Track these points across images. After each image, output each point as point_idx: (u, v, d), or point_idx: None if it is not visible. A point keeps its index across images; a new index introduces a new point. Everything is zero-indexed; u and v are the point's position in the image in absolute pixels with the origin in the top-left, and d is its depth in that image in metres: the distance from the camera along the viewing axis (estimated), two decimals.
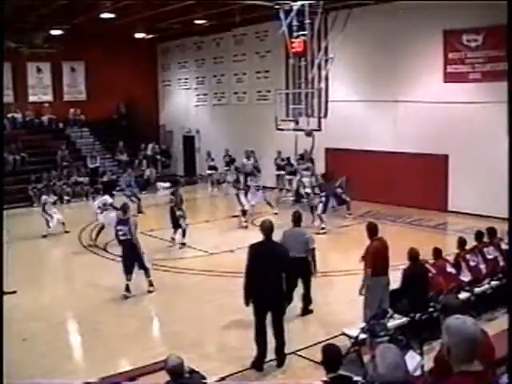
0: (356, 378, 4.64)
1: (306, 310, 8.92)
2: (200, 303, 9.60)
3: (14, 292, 9.40)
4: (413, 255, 7.73)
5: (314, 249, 8.82)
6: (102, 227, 13.55)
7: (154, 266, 11.33)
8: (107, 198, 14.06)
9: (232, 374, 6.92)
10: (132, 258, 10.00)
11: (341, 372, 4.67)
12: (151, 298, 10.23)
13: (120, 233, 9.97)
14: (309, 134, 14.89)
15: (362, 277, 7.81)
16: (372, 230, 7.90)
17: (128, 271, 9.95)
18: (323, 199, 14.58)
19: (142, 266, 10.13)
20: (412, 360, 5.13)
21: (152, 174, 23.01)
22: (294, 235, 8.78)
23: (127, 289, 9.95)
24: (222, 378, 6.78)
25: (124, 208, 10.35)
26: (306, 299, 8.92)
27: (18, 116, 22.47)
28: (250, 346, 7.19)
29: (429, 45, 15.79)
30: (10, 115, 21.88)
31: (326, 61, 16.54)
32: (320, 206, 14.47)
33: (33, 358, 7.54)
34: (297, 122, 15.46)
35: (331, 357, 4.80)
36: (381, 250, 7.80)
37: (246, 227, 14.92)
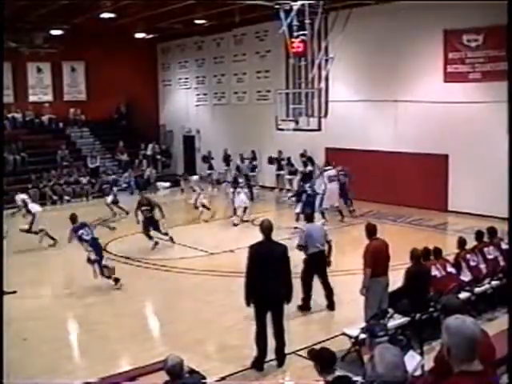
0: (355, 378, 4.64)
1: (332, 303, 9.00)
2: (200, 303, 9.60)
3: (14, 292, 9.41)
4: (415, 255, 7.72)
5: (330, 240, 9.11)
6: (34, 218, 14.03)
7: (155, 266, 11.35)
8: (23, 195, 15.15)
9: (232, 374, 6.92)
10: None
11: (339, 373, 4.66)
12: (151, 298, 10.25)
13: (84, 234, 10.66)
14: None
15: (363, 277, 7.81)
16: (371, 231, 7.91)
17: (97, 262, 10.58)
18: (304, 198, 14.59)
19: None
20: (412, 360, 5.12)
21: (152, 173, 23.01)
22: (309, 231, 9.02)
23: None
24: (222, 378, 6.78)
25: (72, 218, 11.05)
26: (329, 293, 8.99)
27: (18, 116, 22.45)
28: (250, 346, 7.19)
29: (429, 45, 15.78)
30: (10, 115, 21.86)
31: (326, 61, 16.53)
32: (299, 205, 14.46)
33: (33, 357, 7.55)
34: (297, 122, 15.46)
35: (325, 358, 4.78)
36: (380, 250, 7.80)
37: (236, 225, 15.19)
